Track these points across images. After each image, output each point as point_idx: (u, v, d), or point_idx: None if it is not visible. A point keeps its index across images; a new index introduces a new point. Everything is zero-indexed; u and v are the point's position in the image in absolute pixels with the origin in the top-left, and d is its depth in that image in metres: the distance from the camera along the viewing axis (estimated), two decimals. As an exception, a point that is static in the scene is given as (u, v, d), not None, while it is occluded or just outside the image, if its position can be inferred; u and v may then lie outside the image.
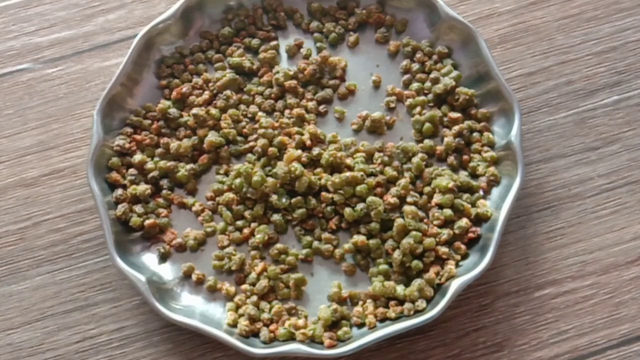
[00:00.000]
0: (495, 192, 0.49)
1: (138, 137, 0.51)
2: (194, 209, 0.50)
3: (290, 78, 0.52)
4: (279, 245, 0.48)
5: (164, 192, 0.50)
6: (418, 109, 0.51)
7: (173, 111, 0.51)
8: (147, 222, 0.48)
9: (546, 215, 0.50)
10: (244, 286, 0.48)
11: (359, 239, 0.47)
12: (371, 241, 0.47)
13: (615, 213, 0.50)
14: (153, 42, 0.52)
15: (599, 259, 0.49)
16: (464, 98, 0.50)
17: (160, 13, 0.52)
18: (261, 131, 0.51)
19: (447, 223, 0.48)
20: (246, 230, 0.49)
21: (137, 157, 0.50)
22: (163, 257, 0.49)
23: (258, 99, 0.52)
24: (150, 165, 0.50)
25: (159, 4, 0.56)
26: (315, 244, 0.48)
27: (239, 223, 0.49)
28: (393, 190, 0.49)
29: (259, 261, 0.48)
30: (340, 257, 0.48)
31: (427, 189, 0.49)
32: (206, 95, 0.52)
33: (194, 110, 0.51)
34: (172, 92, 0.52)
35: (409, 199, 0.48)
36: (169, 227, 0.49)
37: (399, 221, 0.47)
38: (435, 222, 0.47)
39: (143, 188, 0.49)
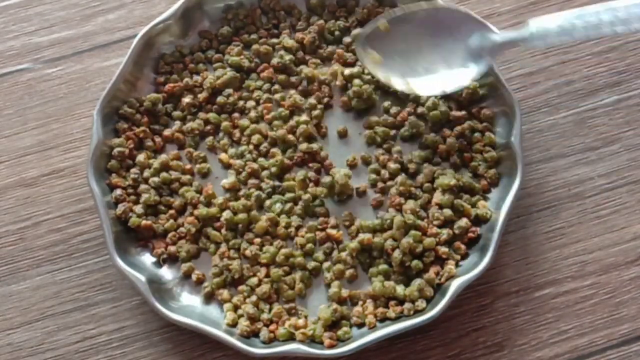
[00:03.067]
0: (495, 192, 0.49)
1: (131, 133, 0.50)
2: (171, 249, 0.49)
3: (291, 49, 0.53)
4: (284, 251, 0.48)
5: (164, 198, 0.50)
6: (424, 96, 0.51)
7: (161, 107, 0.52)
8: (143, 222, 0.48)
9: (546, 215, 0.50)
10: (242, 287, 0.48)
11: (365, 237, 0.47)
12: (376, 239, 0.47)
13: (615, 213, 0.50)
14: (153, 42, 0.52)
15: (599, 259, 0.49)
16: (467, 92, 0.50)
17: (160, 13, 0.52)
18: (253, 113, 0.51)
19: (447, 223, 0.48)
20: (248, 252, 0.48)
21: (140, 157, 0.50)
22: (158, 263, 0.49)
23: (257, 94, 0.52)
24: (146, 174, 0.50)
25: (159, 4, 0.56)
26: (326, 265, 0.48)
27: (236, 241, 0.49)
28: (393, 190, 0.49)
29: (261, 267, 0.48)
30: (352, 260, 0.48)
31: (427, 186, 0.49)
32: (205, 93, 0.52)
33: (186, 99, 0.51)
34: (165, 86, 0.52)
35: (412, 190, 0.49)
36: (161, 238, 0.49)
37: (398, 218, 0.47)
38: (435, 222, 0.47)
39: (152, 196, 0.49)
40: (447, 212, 0.47)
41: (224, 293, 0.47)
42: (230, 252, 0.48)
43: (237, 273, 0.47)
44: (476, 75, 0.47)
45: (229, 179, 0.50)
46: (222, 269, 0.48)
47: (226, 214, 0.48)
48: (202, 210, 0.48)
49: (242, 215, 0.48)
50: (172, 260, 0.49)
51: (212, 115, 0.51)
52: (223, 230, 0.49)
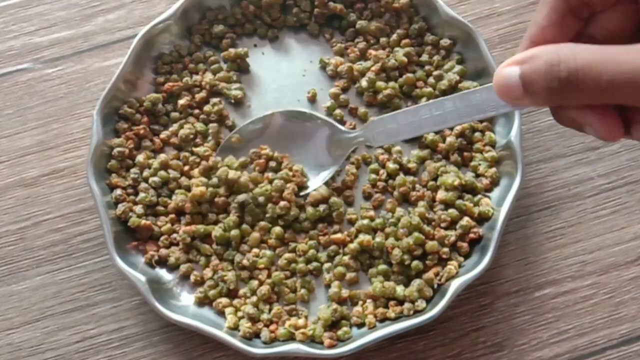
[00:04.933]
0: (495, 192, 0.49)
1: (131, 133, 0.50)
2: (166, 254, 0.49)
3: None
4: (287, 255, 0.48)
5: (161, 199, 0.50)
6: (424, 99, 0.51)
7: (161, 107, 0.52)
8: (143, 222, 0.48)
9: (546, 215, 0.50)
10: (242, 291, 0.48)
11: (365, 238, 0.47)
12: (377, 239, 0.47)
13: (615, 213, 0.50)
14: (153, 41, 0.52)
15: (599, 259, 0.49)
16: None
17: (160, 13, 0.52)
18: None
19: (453, 224, 0.47)
20: (245, 261, 0.48)
21: (139, 157, 0.50)
22: (150, 265, 0.48)
23: None
24: (146, 173, 0.50)
25: (158, 4, 0.56)
26: (327, 265, 0.48)
27: (229, 253, 0.48)
28: (396, 193, 0.49)
29: (261, 271, 0.48)
30: (355, 263, 0.48)
31: (431, 184, 0.49)
32: (203, 93, 0.52)
33: (182, 101, 0.51)
34: (165, 85, 0.52)
35: (413, 194, 0.49)
36: (154, 240, 0.49)
37: (405, 218, 0.47)
38: (442, 225, 0.47)
39: (148, 196, 0.49)
40: (453, 212, 0.47)
41: (223, 301, 0.47)
42: (223, 265, 0.48)
43: (233, 284, 0.47)
44: (334, 170, 0.49)
45: (194, 190, 0.48)
46: (217, 281, 0.48)
47: (216, 231, 0.48)
48: (199, 228, 0.48)
49: (234, 232, 0.48)
50: (163, 263, 0.49)
51: (199, 125, 0.51)
52: (214, 245, 0.49)
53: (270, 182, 0.49)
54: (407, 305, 0.46)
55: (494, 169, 0.49)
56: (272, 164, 0.50)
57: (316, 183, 0.49)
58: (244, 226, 0.49)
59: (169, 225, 0.49)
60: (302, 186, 0.49)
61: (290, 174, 0.49)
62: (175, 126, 0.52)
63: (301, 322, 0.46)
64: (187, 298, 0.48)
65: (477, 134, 0.50)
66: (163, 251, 0.48)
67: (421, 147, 0.51)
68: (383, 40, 0.53)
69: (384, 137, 0.46)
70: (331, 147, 0.49)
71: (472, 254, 0.47)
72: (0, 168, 0.53)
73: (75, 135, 0.53)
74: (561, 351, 0.47)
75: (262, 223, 0.48)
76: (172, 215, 0.49)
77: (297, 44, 0.54)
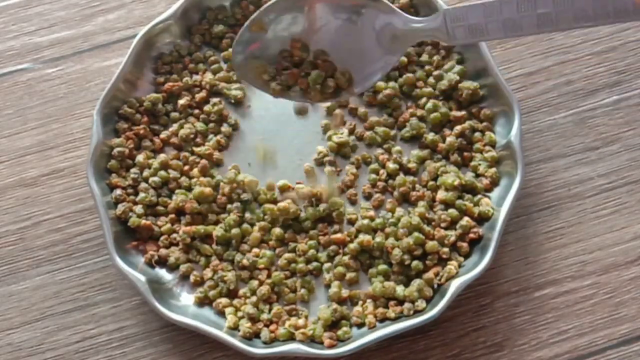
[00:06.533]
0: (495, 192, 0.49)
1: (131, 133, 0.50)
2: (161, 252, 0.49)
3: None
4: (287, 255, 0.48)
5: (161, 199, 0.50)
6: (424, 99, 0.51)
7: (161, 107, 0.52)
8: (143, 222, 0.48)
9: (546, 215, 0.50)
10: (242, 291, 0.48)
11: (365, 238, 0.47)
12: (377, 239, 0.47)
13: (615, 213, 0.50)
14: (153, 42, 0.52)
15: (599, 259, 0.49)
16: (467, 93, 0.50)
17: (160, 13, 0.52)
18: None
19: (453, 224, 0.47)
20: (245, 261, 0.48)
21: (139, 157, 0.50)
22: (150, 265, 0.48)
23: None
24: (146, 173, 0.50)
25: (158, 4, 0.56)
26: (327, 265, 0.48)
27: (229, 253, 0.48)
28: (396, 193, 0.49)
29: (261, 271, 0.48)
30: (355, 263, 0.48)
31: (431, 184, 0.49)
32: (203, 93, 0.52)
33: (182, 101, 0.51)
34: (164, 85, 0.52)
35: (413, 194, 0.49)
36: (153, 241, 0.49)
37: (405, 218, 0.47)
38: (442, 225, 0.47)
39: (148, 196, 0.49)
40: (453, 212, 0.47)
41: (223, 301, 0.47)
42: (223, 265, 0.48)
43: (233, 284, 0.47)
44: (385, 72, 0.40)
45: (197, 189, 0.49)
46: (217, 282, 0.48)
47: (218, 231, 0.48)
48: (199, 228, 0.48)
49: (235, 231, 0.48)
50: (162, 263, 0.49)
51: (199, 125, 0.51)
52: (214, 245, 0.49)
53: (307, 89, 0.40)
54: (407, 305, 0.46)
55: (494, 169, 0.49)
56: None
57: (360, 87, 0.41)
58: (245, 226, 0.49)
59: (169, 225, 0.49)
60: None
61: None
62: (175, 126, 0.52)
63: (301, 322, 0.46)
64: (187, 298, 0.48)
65: (477, 134, 0.50)
66: (163, 251, 0.48)
67: (421, 147, 0.51)
68: None
69: (464, 34, 0.36)
70: (384, 40, 0.39)
71: (472, 254, 0.47)
72: (0, 168, 0.53)
73: (75, 135, 0.53)
74: (561, 351, 0.47)
75: (262, 223, 0.49)
76: (172, 215, 0.49)
77: (297, 44, 0.54)
